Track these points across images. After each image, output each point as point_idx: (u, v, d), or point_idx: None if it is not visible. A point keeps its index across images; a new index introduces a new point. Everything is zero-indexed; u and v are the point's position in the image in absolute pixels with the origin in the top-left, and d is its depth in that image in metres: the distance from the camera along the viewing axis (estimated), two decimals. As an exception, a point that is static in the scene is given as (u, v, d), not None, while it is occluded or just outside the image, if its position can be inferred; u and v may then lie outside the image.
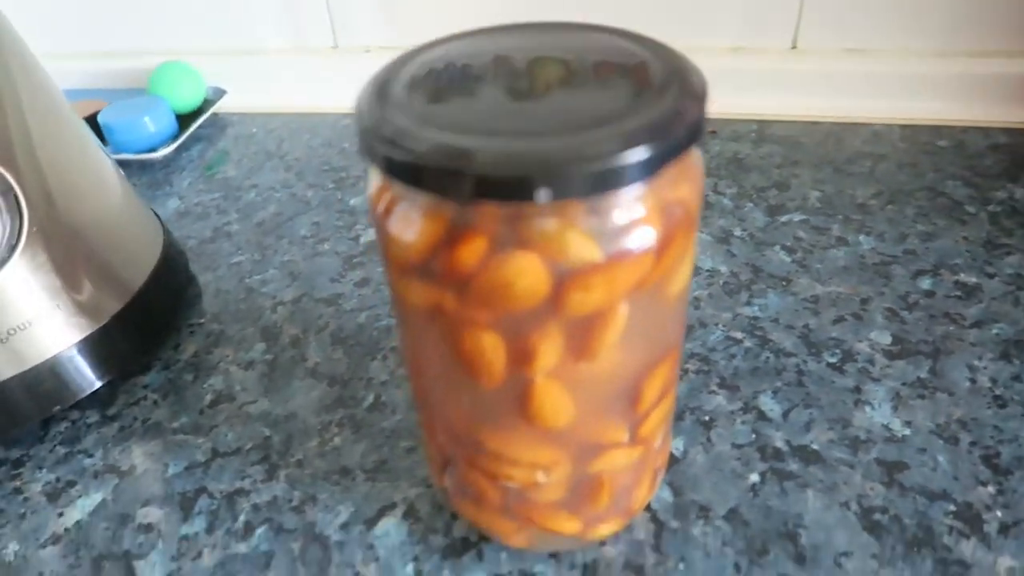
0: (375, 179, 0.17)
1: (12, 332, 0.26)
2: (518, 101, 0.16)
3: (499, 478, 0.20)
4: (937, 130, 0.42)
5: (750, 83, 0.46)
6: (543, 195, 0.14)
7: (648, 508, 0.24)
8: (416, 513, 0.24)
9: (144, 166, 0.45)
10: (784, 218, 0.36)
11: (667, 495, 0.24)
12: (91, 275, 0.28)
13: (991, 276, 0.32)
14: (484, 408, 0.18)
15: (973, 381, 0.27)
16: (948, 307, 0.30)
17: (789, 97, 0.45)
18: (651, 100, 0.15)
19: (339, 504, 0.25)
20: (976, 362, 0.28)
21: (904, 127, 0.43)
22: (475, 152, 0.14)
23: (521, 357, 0.17)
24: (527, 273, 0.15)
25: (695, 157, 0.17)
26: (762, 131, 0.44)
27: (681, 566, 0.22)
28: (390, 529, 0.24)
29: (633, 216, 0.15)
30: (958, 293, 0.31)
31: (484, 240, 0.15)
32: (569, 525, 0.21)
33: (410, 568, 0.23)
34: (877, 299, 0.31)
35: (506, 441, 0.19)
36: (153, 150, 0.45)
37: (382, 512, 0.24)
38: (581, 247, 0.15)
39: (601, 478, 0.20)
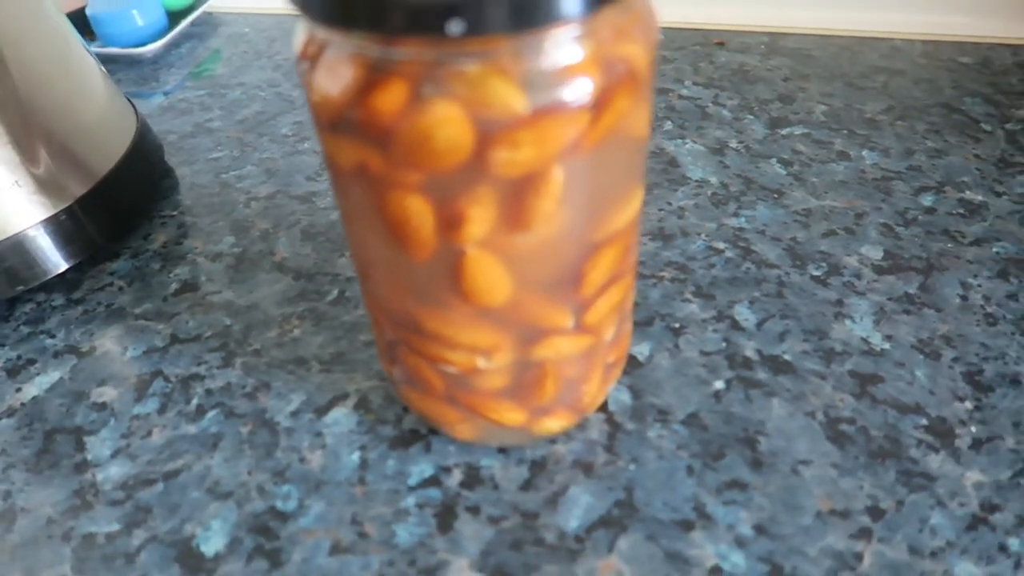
0: (301, 32, 0.16)
1: (-32, 206, 0.25)
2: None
3: (438, 362, 0.19)
4: (961, 46, 0.40)
5: (766, -7, 0.43)
6: (455, 27, 0.13)
7: (604, 410, 0.23)
8: (368, 404, 0.24)
9: (132, 61, 0.44)
10: (785, 131, 0.34)
11: (626, 398, 0.23)
12: (52, 152, 0.27)
13: (999, 195, 0.30)
14: (418, 284, 0.18)
15: (964, 298, 0.26)
16: (948, 224, 0.29)
17: (803, 8, 0.42)
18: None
19: (292, 392, 0.24)
20: (971, 280, 0.26)
21: (926, 42, 0.40)
22: (388, -21, 0.13)
23: (449, 223, 0.16)
24: (447, 123, 0.14)
25: (648, 12, 0.16)
26: (773, 43, 0.41)
27: (632, 467, 0.22)
28: (340, 418, 0.23)
29: (566, 63, 0.14)
30: (961, 210, 0.29)
31: (403, 86, 0.14)
32: (513, 416, 0.20)
33: (356, 456, 0.22)
34: (873, 214, 0.29)
35: (443, 321, 0.18)
36: (142, 45, 0.44)
37: (334, 402, 0.24)
38: (505, 95, 0.14)
39: (545, 367, 0.19)
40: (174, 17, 0.47)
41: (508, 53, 0.14)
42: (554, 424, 0.21)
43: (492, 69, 0.14)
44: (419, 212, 0.16)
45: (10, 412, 0.24)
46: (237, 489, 0.22)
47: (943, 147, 0.33)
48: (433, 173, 0.15)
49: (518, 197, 0.15)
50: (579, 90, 0.14)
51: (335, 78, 0.15)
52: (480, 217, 0.15)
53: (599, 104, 0.15)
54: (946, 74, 0.38)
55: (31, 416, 0.24)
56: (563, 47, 0.14)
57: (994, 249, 0.27)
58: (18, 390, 0.25)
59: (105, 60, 0.45)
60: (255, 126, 0.38)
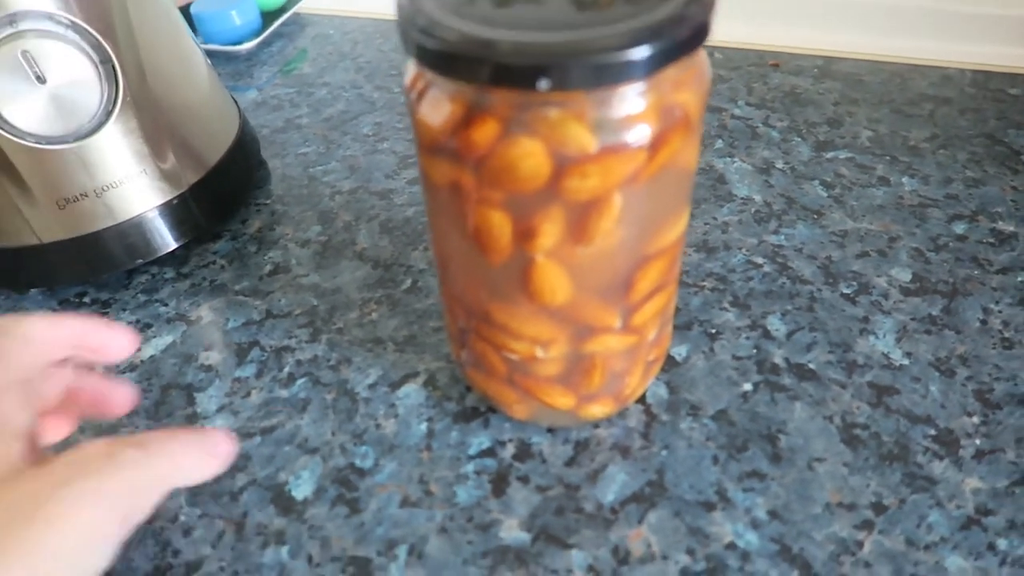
0: (411, 68, 0.19)
1: (105, 188, 0.29)
2: (539, 4, 0.17)
3: (503, 349, 0.22)
4: (1012, 78, 0.41)
5: (819, 16, 0.45)
6: (543, 84, 0.16)
7: (643, 401, 0.26)
8: (435, 382, 0.27)
9: (229, 58, 0.48)
10: (830, 154, 0.37)
11: (663, 392, 0.26)
12: (174, 146, 0.31)
13: (1030, 227, 0.32)
14: (492, 283, 0.21)
15: (984, 322, 0.28)
16: (977, 252, 0.31)
17: (858, 34, 0.44)
18: (657, 4, 0.16)
19: (370, 367, 0.28)
20: (992, 305, 0.28)
21: (977, 72, 0.42)
22: (492, 42, 0.16)
23: (524, 235, 0.19)
24: (530, 156, 0.17)
25: (702, 65, 0.19)
26: (826, 67, 0.43)
27: (664, 452, 0.25)
28: (411, 393, 0.27)
29: (631, 112, 0.17)
30: (991, 240, 0.31)
31: (496, 123, 0.17)
32: (563, 400, 0.23)
33: (423, 426, 0.26)
34: (906, 238, 0.32)
35: (510, 315, 0.21)
36: (238, 43, 0.48)
37: (406, 378, 0.27)
38: (578, 136, 0.17)
39: (594, 359, 0.22)
40: (267, 17, 0.51)
41: (584, 103, 0.17)
42: (598, 410, 0.24)
43: (569, 115, 0.17)
44: (499, 224, 0.19)
45: (132, 367, 0.29)
46: (322, 446, 0.25)
47: (981, 177, 0.35)
48: (514, 194, 0.18)
49: (583, 217, 0.18)
50: (640, 133, 0.17)
51: (438, 111, 0.18)
52: (550, 231, 0.19)
53: (656, 145, 0.17)
54: (993, 105, 0.39)
55: (149, 372, 0.28)
56: (629, 99, 0.17)
57: (1019, 278, 0.29)
58: (138, 350, 0.29)
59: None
60: (339, 124, 0.41)
